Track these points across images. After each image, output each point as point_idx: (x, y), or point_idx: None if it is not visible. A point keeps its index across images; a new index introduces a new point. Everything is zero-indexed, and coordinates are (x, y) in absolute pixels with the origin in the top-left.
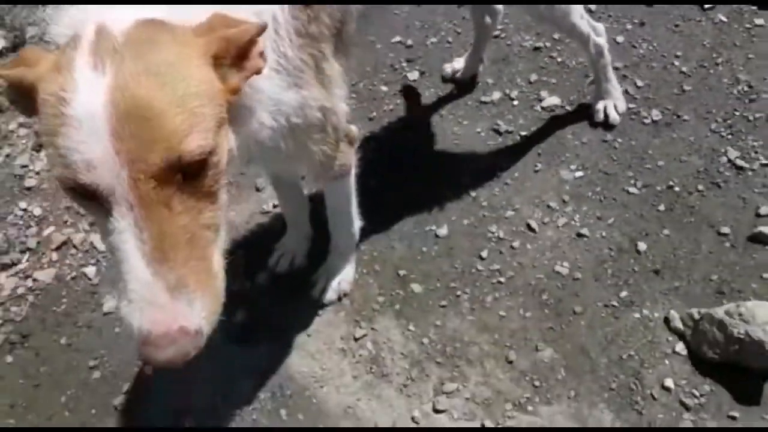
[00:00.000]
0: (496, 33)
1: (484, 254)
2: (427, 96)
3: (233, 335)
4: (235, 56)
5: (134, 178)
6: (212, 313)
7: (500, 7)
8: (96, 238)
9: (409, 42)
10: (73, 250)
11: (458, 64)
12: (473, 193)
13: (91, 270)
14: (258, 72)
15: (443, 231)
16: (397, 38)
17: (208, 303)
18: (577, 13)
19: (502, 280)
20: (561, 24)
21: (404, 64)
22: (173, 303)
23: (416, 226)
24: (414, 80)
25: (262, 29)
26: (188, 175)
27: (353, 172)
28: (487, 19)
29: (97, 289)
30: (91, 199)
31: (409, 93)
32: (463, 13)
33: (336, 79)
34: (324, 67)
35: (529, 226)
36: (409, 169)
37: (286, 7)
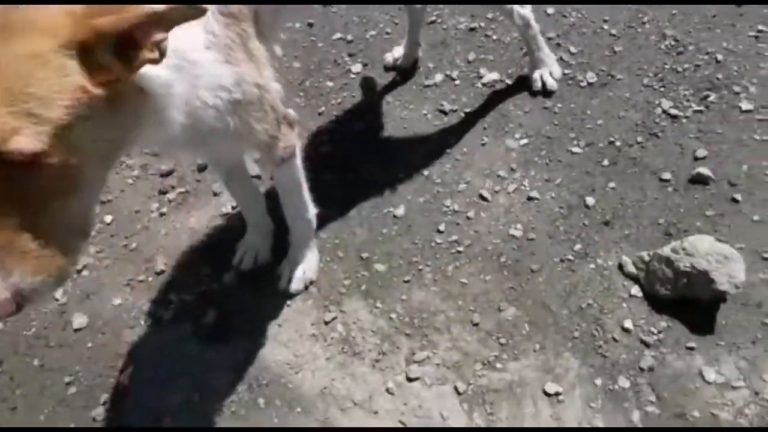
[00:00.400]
0: (432, 19)
1: (441, 228)
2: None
3: (204, 336)
4: (118, 45)
5: None
6: (34, 284)
7: None
8: None
9: (349, 37)
10: None
11: (398, 52)
12: (426, 172)
13: (57, 291)
14: (153, 62)
15: (400, 211)
16: (338, 35)
17: (28, 277)
18: None
19: (461, 249)
20: None
21: (347, 59)
22: None
23: (374, 209)
24: (357, 72)
25: (152, 17)
26: (22, 170)
27: (299, 155)
28: (418, 5)
29: (66, 308)
30: None
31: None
32: (398, 6)
33: (262, 59)
34: (250, 46)
35: (481, 196)
36: (362, 157)
37: None
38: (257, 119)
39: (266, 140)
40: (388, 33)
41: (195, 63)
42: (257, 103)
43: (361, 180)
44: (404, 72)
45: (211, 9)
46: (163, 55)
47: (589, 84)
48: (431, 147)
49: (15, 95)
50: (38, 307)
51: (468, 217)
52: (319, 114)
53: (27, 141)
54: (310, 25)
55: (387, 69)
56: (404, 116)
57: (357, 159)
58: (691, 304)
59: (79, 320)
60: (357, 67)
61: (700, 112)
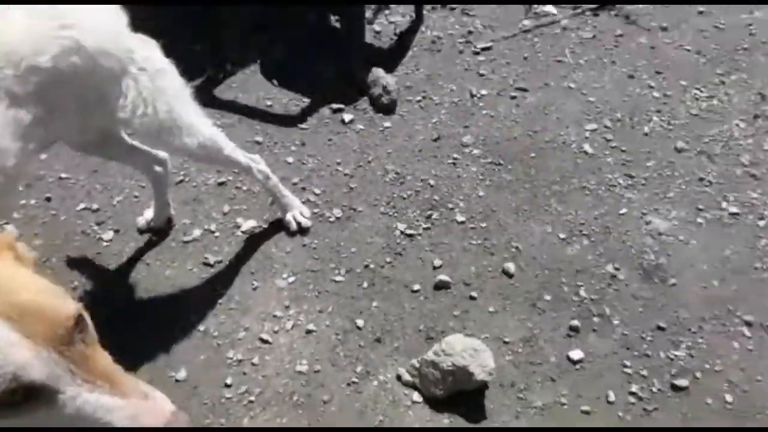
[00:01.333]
0: (180, 178)
1: (228, 381)
2: (128, 251)
3: None
4: None
5: (59, 353)
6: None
7: (165, 155)
8: None
9: (95, 206)
10: None
11: (149, 214)
12: (202, 328)
13: None
14: None
15: (182, 374)
16: (82, 205)
17: (157, 389)
18: (229, 151)
19: (253, 399)
20: (222, 163)
21: (96, 228)
22: (152, 403)
23: (153, 379)
24: (110, 240)
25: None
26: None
27: None
28: (158, 168)
29: None
30: (27, 399)
31: None
32: (139, 170)
33: None
34: None
35: (262, 340)
36: (130, 327)
37: None
38: None
39: None
40: (136, 196)
41: None
42: None
43: (134, 350)
44: (160, 232)
45: None
46: None
47: (337, 218)
48: (203, 300)
49: (37, 284)
50: None
51: (253, 364)
52: (74, 289)
53: (69, 300)
54: (48, 199)
55: (141, 232)
56: (168, 275)
57: (124, 330)
58: (462, 396)
59: None
60: (108, 235)
61: (429, 228)
